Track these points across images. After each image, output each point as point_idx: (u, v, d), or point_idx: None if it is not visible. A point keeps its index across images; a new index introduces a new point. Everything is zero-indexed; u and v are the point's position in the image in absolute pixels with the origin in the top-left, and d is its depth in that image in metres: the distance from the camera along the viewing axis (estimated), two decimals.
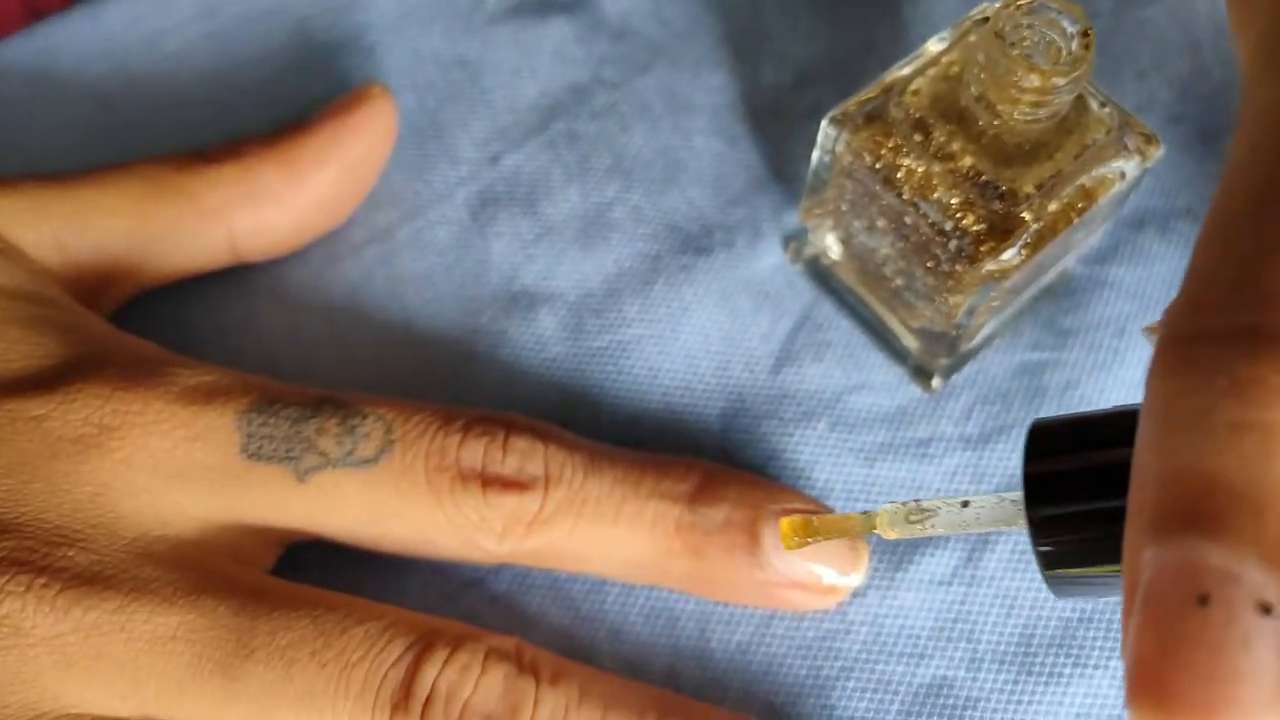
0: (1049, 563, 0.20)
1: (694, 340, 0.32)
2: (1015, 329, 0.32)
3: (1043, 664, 0.28)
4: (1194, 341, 0.15)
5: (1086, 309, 0.33)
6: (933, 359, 0.31)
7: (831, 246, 0.31)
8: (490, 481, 0.26)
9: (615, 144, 0.34)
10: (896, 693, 0.28)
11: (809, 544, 0.25)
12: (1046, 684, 0.28)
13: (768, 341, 0.32)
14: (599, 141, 0.34)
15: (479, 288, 0.32)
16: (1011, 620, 0.29)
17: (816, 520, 0.25)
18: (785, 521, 0.25)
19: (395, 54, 0.35)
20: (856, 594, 0.29)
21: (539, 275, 0.32)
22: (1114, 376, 0.32)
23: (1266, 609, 0.14)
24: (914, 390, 0.31)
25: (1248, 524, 0.14)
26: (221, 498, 0.26)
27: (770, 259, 0.33)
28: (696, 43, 0.35)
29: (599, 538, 0.27)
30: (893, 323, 0.31)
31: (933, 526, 0.23)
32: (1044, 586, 0.30)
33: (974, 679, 0.28)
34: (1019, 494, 0.21)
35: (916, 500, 0.23)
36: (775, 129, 0.34)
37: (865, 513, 0.24)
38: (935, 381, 0.31)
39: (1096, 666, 0.28)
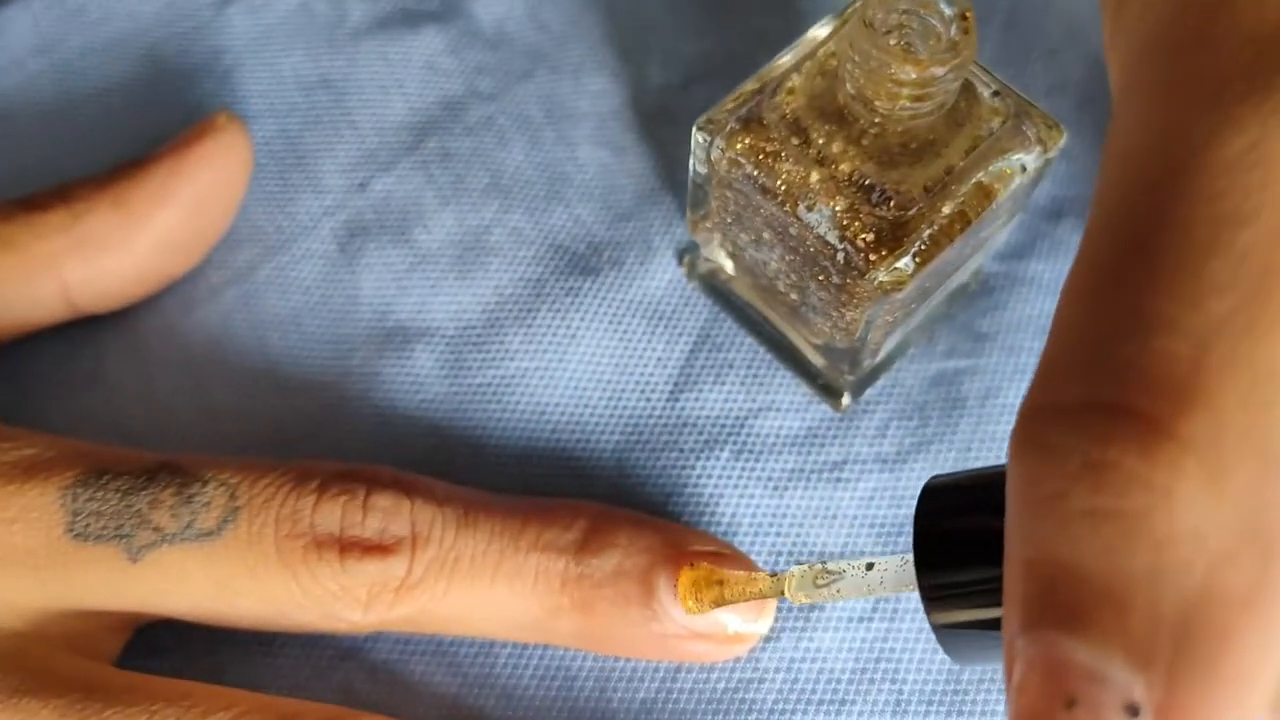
0: (938, 629, 0.18)
1: (583, 370, 0.29)
2: (929, 336, 0.30)
3: (974, 703, 0.26)
4: (1046, 419, 0.14)
5: (1004, 310, 0.30)
6: (841, 375, 0.28)
7: (724, 262, 0.29)
8: (349, 547, 0.24)
9: (492, 161, 0.32)
10: None
11: (710, 610, 0.24)
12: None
13: (664, 366, 0.29)
14: (475, 159, 0.32)
15: (349, 326, 0.30)
16: (938, 656, 0.27)
17: (722, 585, 0.24)
18: (685, 584, 0.24)
19: (254, 77, 0.33)
20: (769, 638, 0.27)
21: (414, 309, 0.30)
22: None
23: (1133, 711, 0.12)
24: (824, 409, 0.29)
25: (1111, 620, 0.12)
26: (49, 584, 0.23)
27: (664, 276, 0.30)
28: (577, 46, 0.33)
29: (477, 600, 0.25)
30: (795, 339, 0.29)
31: (838, 591, 0.22)
32: None
33: None
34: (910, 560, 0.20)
35: (823, 563, 0.22)
36: (666, 133, 0.32)
37: (774, 574, 0.23)
38: (845, 399, 0.29)
39: None
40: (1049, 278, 0.31)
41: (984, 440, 0.29)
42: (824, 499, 0.28)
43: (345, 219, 0.31)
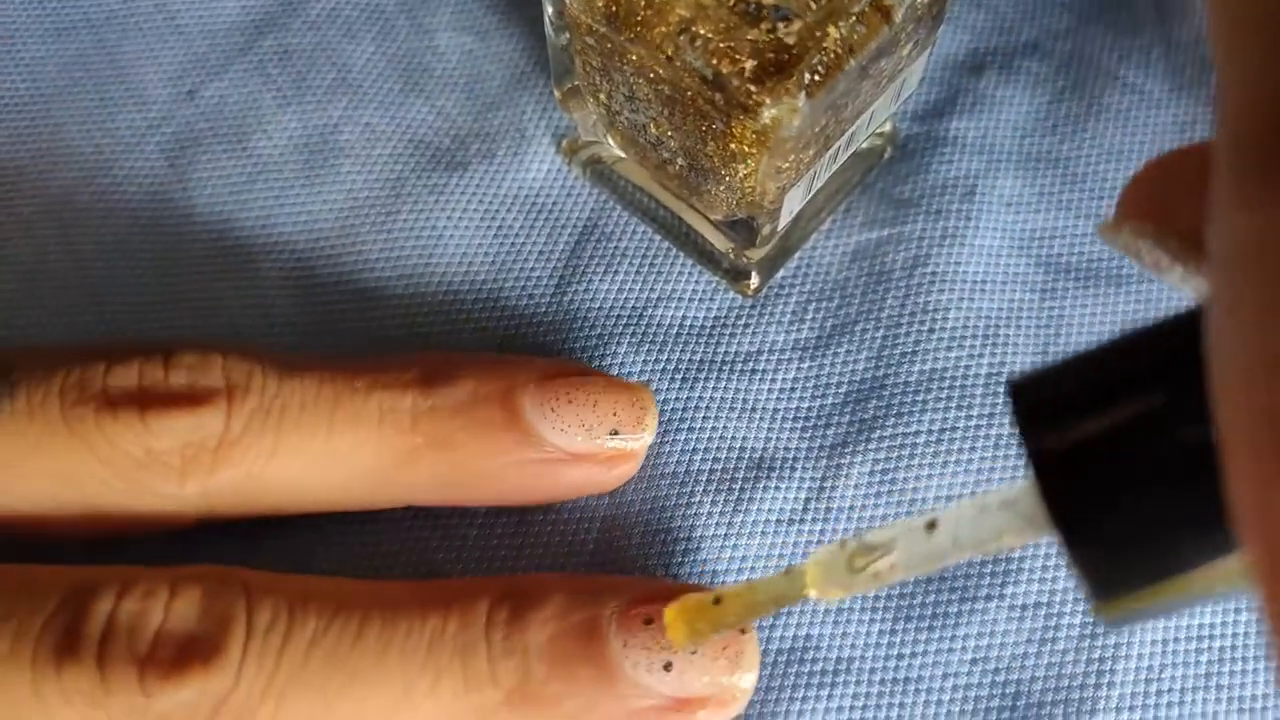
0: (1109, 585, 0.12)
1: (454, 272, 0.26)
2: (845, 206, 0.27)
3: (923, 605, 0.23)
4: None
5: (926, 172, 0.27)
6: (747, 255, 0.25)
7: (607, 140, 0.25)
8: (150, 403, 0.20)
9: (339, 56, 0.28)
10: None
11: (706, 637, 0.19)
12: (930, 629, 0.23)
13: (547, 260, 0.26)
14: (318, 56, 0.28)
15: (184, 250, 0.26)
16: None
17: (719, 604, 0.18)
18: (673, 616, 0.19)
19: None
20: (689, 541, 0.23)
21: (257, 223, 0.26)
22: (968, 246, 0.26)
23: None
24: (732, 297, 0.26)
25: None
26: None
27: (542, 166, 0.27)
28: None
29: (313, 455, 0.21)
30: (694, 220, 0.25)
31: (892, 568, 0.16)
32: (912, 507, 0.24)
33: (841, 634, 0.23)
34: (1013, 489, 0.14)
35: (857, 535, 0.16)
36: (535, 10, 0.29)
37: (788, 570, 0.17)
38: (754, 280, 0.25)
39: (989, 599, 0.23)
40: (972, 135, 0.28)
41: (915, 314, 0.25)
42: (739, 390, 0.25)
43: (173, 132, 0.27)
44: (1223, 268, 0.09)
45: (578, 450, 0.22)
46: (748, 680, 0.20)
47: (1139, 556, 0.12)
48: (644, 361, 0.25)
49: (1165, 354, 0.12)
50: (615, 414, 0.22)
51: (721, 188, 0.23)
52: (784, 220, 0.24)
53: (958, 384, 0.25)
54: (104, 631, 0.18)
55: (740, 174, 0.22)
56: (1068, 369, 0.13)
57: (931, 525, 0.15)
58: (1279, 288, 0.09)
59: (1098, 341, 0.13)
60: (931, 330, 0.25)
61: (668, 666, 0.20)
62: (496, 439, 0.21)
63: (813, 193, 0.24)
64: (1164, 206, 0.14)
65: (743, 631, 0.20)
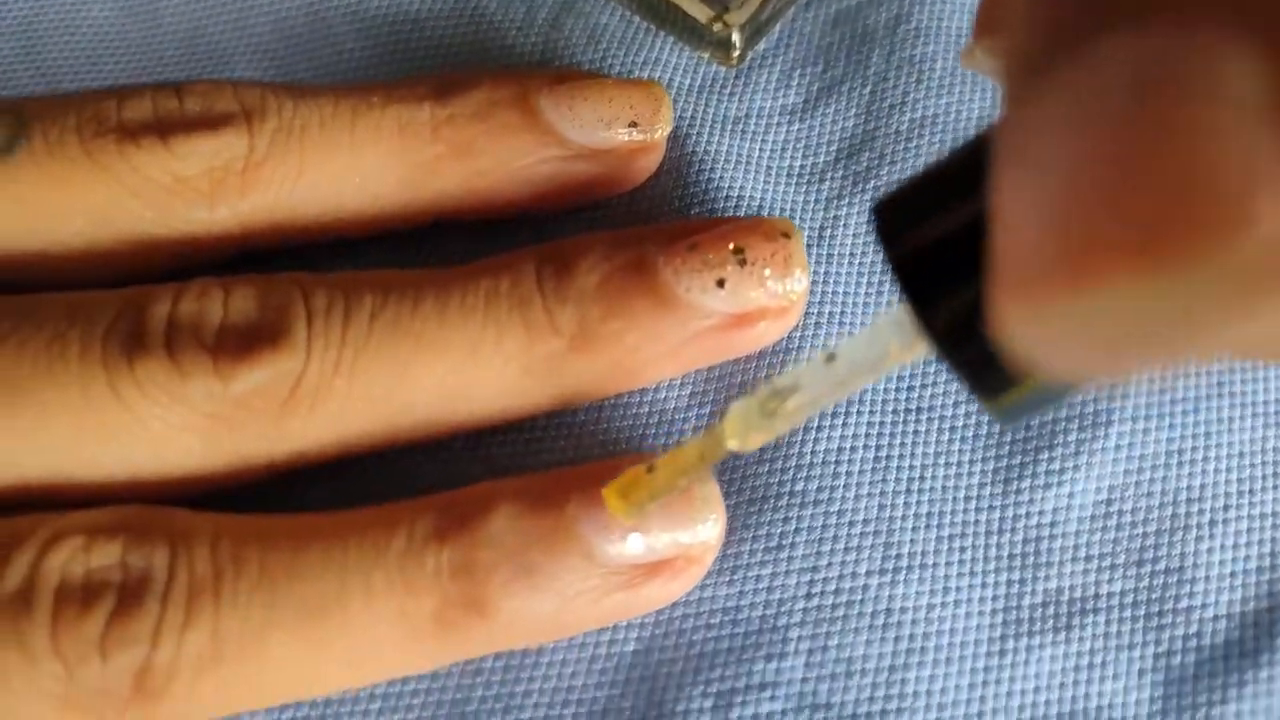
0: (982, 382, 0.13)
1: (426, 54, 0.25)
2: None
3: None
4: None
5: None
6: (726, 21, 0.25)
7: None
8: (170, 129, 0.20)
9: None
10: None
11: (649, 504, 0.18)
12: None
13: (525, 34, 0.25)
14: None
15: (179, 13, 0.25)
16: (883, 299, 0.23)
17: (652, 472, 0.18)
18: (613, 495, 0.18)
19: None
20: None
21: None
22: (950, 2, 0.26)
23: None
24: (716, 69, 0.25)
25: None
26: None
27: None
28: None
29: (338, 172, 0.21)
30: None
31: (797, 406, 0.16)
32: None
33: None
34: (900, 309, 0.14)
35: (768, 382, 0.17)
36: None
37: (707, 430, 0.18)
38: (736, 45, 0.25)
39: None
40: None
41: (900, 68, 0.25)
42: (732, 148, 0.24)
43: None
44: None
45: (598, 145, 0.22)
46: (801, 284, 0.21)
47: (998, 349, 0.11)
48: None
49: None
50: (631, 107, 0.22)
51: None
52: None
53: (949, 128, 0.24)
54: (167, 328, 0.18)
55: None
56: (919, 182, 0.13)
57: (831, 358, 0.16)
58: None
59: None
60: (919, 81, 0.25)
61: (721, 283, 0.20)
62: (517, 140, 0.21)
63: None
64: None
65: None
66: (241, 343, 0.19)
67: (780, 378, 0.17)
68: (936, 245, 0.13)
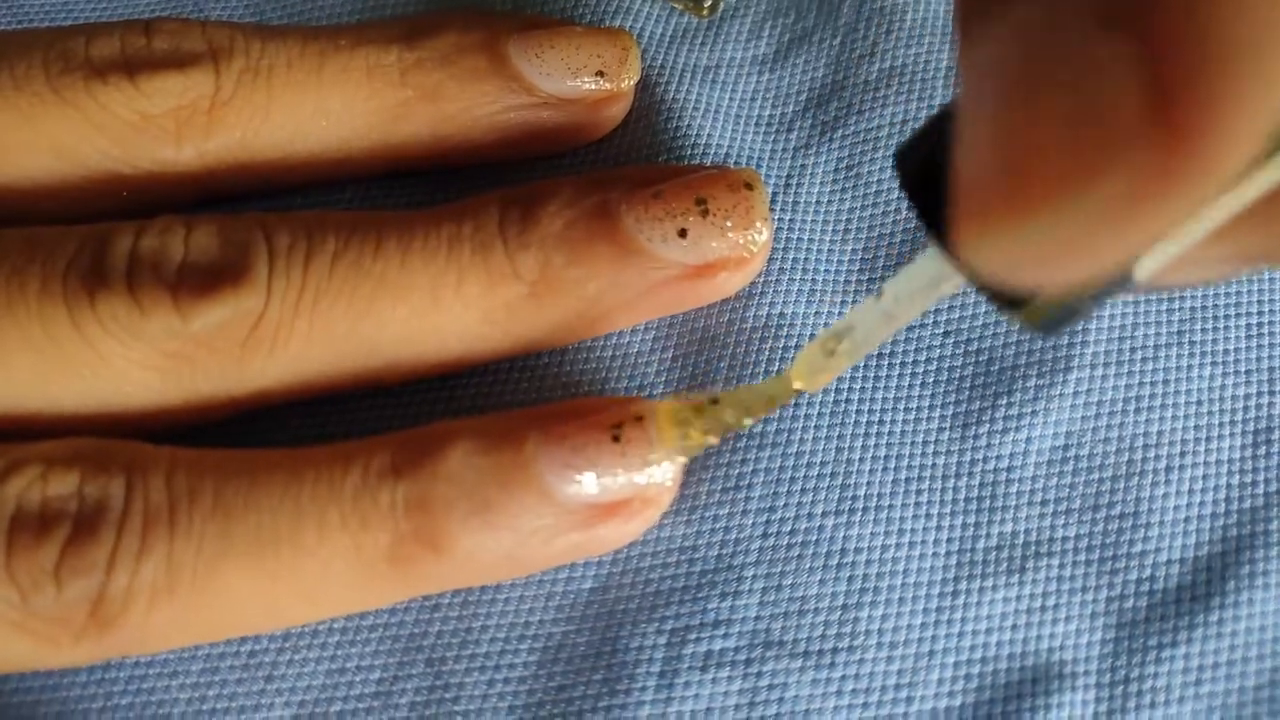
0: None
1: (390, 6, 0.25)
2: None
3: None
4: None
5: None
6: None
7: None
8: (138, 67, 0.20)
9: None
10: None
11: (692, 440, 0.19)
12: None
13: None
14: None
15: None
16: (848, 246, 0.23)
17: (717, 405, 0.19)
18: (665, 417, 0.19)
19: None
20: None
21: None
22: None
23: None
24: (688, 20, 0.25)
25: None
26: None
27: None
28: None
29: (306, 114, 0.21)
30: None
31: (853, 344, 0.17)
32: (878, 199, 0.24)
33: (814, 313, 0.22)
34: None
35: (828, 329, 0.18)
36: None
37: (778, 375, 0.19)
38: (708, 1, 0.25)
39: None
40: None
41: (871, 18, 0.25)
42: (700, 96, 0.24)
43: None
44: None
45: (565, 94, 0.22)
46: (762, 235, 0.21)
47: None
48: None
49: None
50: (598, 56, 0.22)
51: None
52: None
53: (918, 78, 0.24)
54: (128, 264, 0.19)
55: None
56: (934, 122, 0.14)
57: (879, 295, 0.16)
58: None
59: None
60: (889, 31, 0.25)
61: (683, 233, 0.20)
62: (485, 86, 0.21)
63: None
64: None
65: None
66: (202, 280, 0.19)
67: (838, 322, 0.18)
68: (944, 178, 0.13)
